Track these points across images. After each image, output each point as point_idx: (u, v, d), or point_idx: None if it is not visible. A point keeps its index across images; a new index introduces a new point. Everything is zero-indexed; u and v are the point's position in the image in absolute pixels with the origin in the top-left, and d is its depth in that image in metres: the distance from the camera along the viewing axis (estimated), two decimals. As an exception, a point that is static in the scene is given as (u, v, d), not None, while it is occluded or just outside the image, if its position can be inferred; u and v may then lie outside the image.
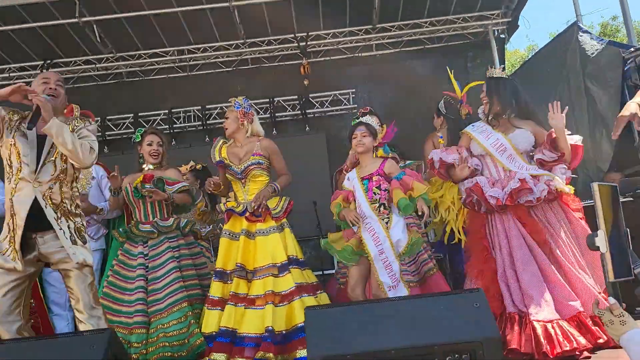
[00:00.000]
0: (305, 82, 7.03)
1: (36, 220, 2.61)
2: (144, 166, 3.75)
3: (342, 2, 6.63)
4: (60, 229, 2.63)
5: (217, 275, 3.35)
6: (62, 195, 2.70)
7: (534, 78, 6.60)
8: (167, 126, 7.28)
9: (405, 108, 6.57)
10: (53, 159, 2.70)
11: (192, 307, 3.41)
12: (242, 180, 3.43)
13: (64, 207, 2.70)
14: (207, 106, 7.41)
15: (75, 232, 2.70)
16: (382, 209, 3.22)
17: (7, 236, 2.62)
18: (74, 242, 2.65)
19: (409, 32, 7.20)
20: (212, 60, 7.37)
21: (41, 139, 2.70)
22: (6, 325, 2.53)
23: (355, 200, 3.32)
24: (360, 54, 7.43)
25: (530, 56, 9.24)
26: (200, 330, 3.32)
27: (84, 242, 2.72)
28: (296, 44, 7.09)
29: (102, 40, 6.83)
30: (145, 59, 7.28)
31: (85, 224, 2.85)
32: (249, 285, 3.29)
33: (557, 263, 3.00)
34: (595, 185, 2.06)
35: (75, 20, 6.16)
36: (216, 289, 3.30)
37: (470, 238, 3.34)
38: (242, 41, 7.13)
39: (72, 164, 2.75)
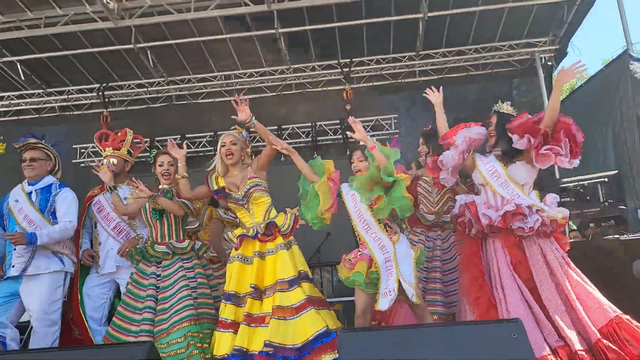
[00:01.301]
0: (348, 107, 7.11)
1: None
2: (159, 187, 3.85)
3: (387, 29, 6.72)
4: None
5: (229, 298, 3.35)
6: None
7: (586, 104, 6.43)
8: (212, 148, 7.48)
9: (447, 134, 6.52)
10: None
11: (198, 325, 3.38)
12: (246, 206, 3.53)
13: None
14: (252, 129, 7.58)
15: None
16: (388, 229, 3.27)
17: None
18: None
19: (452, 59, 7.20)
20: (257, 85, 7.59)
21: None
22: None
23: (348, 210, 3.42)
24: (403, 80, 7.48)
25: (579, 83, 9.01)
26: (211, 354, 3.25)
27: None
28: (339, 70, 7.21)
29: (155, 65, 7.18)
30: (194, 83, 7.59)
31: None
32: (261, 304, 3.33)
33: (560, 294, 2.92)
34: (643, 214, 1.99)
35: (131, 46, 6.52)
36: (229, 312, 3.30)
37: (464, 261, 3.30)
38: (286, 67, 7.31)
39: None
